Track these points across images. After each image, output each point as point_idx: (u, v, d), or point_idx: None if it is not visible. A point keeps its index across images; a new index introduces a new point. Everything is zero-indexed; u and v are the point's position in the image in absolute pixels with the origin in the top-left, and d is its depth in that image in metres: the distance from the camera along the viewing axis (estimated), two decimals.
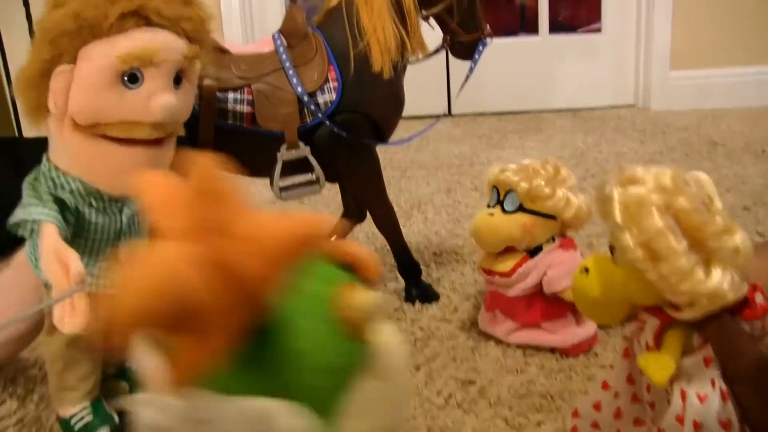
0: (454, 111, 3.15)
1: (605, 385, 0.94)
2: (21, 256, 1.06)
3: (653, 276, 0.81)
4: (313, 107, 1.23)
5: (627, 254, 0.82)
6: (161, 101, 0.88)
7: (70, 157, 0.92)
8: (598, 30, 3.17)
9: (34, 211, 0.89)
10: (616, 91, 3.17)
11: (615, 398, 0.93)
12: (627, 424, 0.93)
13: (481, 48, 1.38)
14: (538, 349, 1.22)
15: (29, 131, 2.25)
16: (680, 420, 0.82)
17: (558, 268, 1.19)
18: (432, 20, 1.38)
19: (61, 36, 0.85)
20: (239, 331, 0.48)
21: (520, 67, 3.11)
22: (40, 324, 1.04)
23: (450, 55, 1.44)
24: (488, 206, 1.23)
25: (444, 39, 1.40)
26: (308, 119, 1.25)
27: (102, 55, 0.85)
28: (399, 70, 1.32)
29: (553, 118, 3.03)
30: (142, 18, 0.87)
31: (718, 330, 0.82)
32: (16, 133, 2.35)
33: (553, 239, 1.22)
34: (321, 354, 0.53)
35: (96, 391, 1.04)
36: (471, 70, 1.41)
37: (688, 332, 0.85)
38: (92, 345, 1.00)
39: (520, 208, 1.18)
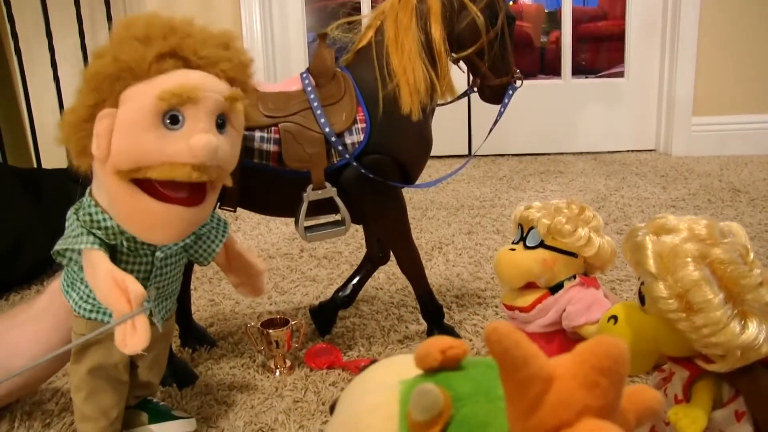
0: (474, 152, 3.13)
1: None
2: (56, 283, 1.07)
3: (686, 327, 0.79)
4: (340, 148, 1.23)
5: (660, 304, 0.80)
6: (202, 140, 0.86)
7: (109, 202, 0.92)
8: (620, 74, 3.17)
9: (80, 240, 0.91)
10: (637, 135, 3.17)
11: None
12: None
13: (510, 92, 1.38)
14: None
15: (48, 163, 2.28)
16: None
17: (577, 304, 1.18)
18: (462, 63, 1.38)
19: (103, 81, 0.85)
20: None
21: (541, 109, 3.12)
22: (64, 356, 1.04)
23: (478, 98, 1.44)
24: (513, 243, 1.24)
25: (473, 82, 1.40)
26: (335, 160, 1.24)
27: (142, 95, 0.85)
28: (428, 112, 1.32)
29: (573, 160, 3.02)
30: (180, 59, 0.87)
31: (752, 383, 0.80)
32: (36, 165, 2.37)
33: (575, 277, 1.21)
34: None
35: (117, 426, 1.04)
36: (500, 114, 1.41)
37: (718, 384, 0.82)
38: (116, 375, 1.01)
39: (541, 245, 1.18)
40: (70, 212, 0.96)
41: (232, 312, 1.63)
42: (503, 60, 1.36)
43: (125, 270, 0.94)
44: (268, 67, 3.03)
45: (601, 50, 3.66)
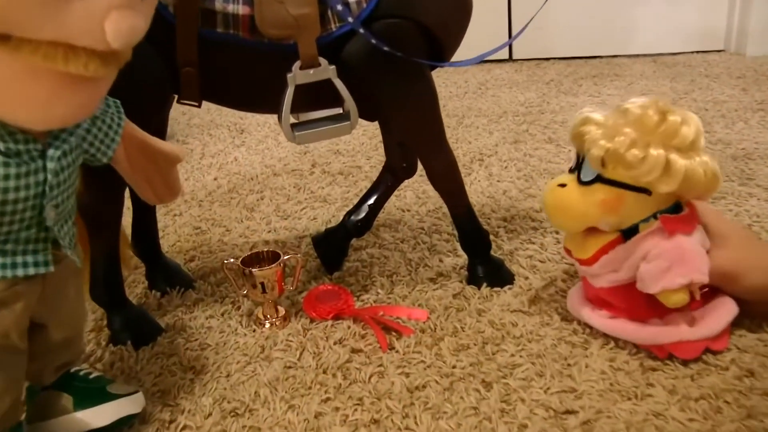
0: (515, 56, 2.83)
1: None
2: None
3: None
4: (339, 8, 0.86)
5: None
6: (125, 24, 0.57)
7: None
8: None
9: None
10: (702, 34, 2.78)
11: None
12: None
13: None
14: (660, 353, 0.85)
15: None
16: None
17: (654, 263, 0.84)
18: None
19: None
20: None
21: (590, 8, 2.75)
22: None
23: None
24: (570, 170, 0.91)
25: None
26: (333, 26, 0.87)
27: None
28: None
29: (629, 63, 2.66)
30: None
31: None
32: None
33: (655, 216, 0.85)
34: None
35: (15, 415, 0.73)
36: None
37: None
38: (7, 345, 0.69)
39: (599, 179, 0.85)
40: None
41: (220, 242, 1.30)
42: None
43: (5, 198, 0.64)
44: None
45: None
